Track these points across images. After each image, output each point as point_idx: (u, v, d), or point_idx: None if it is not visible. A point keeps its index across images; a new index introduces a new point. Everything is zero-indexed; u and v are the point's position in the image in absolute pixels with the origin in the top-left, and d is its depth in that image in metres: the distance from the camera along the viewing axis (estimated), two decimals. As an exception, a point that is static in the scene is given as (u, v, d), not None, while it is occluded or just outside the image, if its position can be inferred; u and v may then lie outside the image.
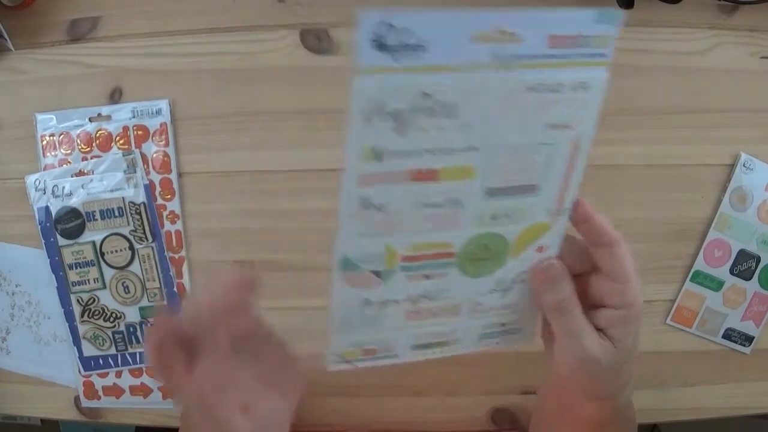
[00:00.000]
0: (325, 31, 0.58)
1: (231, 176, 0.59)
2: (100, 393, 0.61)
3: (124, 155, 0.58)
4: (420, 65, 0.27)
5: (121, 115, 0.58)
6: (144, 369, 0.60)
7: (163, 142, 0.58)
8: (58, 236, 0.58)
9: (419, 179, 0.31)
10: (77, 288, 0.59)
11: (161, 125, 0.58)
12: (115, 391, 0.61)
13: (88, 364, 0.60)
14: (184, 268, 0.59)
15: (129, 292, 0.58)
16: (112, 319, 0.59)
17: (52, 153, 0.58)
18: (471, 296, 0.37)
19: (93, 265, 0.58)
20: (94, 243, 0.58)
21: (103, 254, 0.58)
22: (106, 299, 0.59)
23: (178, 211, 0.59)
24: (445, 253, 0.35)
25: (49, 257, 0.59)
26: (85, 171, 0.58)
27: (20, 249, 0.60)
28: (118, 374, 0.60)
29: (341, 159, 0.64)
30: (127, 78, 0.58)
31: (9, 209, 0.59)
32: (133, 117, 0.58)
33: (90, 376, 0.61)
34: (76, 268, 0.58)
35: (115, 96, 0.58)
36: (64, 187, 0.57)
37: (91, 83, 0.58)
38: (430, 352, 0.40)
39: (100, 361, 0.60)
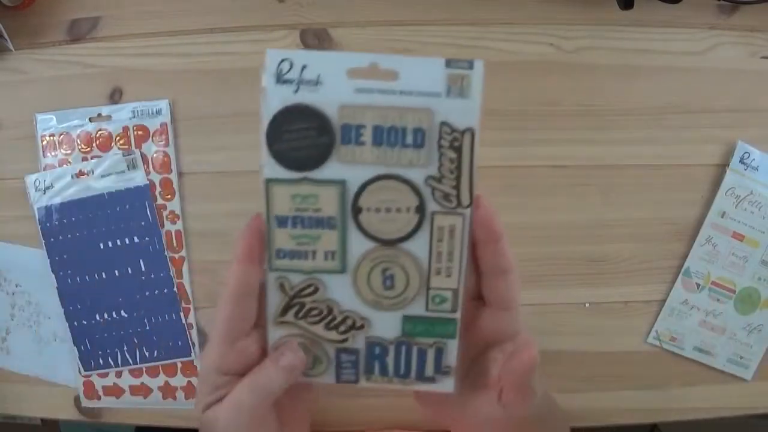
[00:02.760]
0: (325, 31, 0.58)
1: (231, 176, 0.59)
2: (100, 393, 0.61)
3: (124, 155, 0.58)
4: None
5: (121, 115, 0.58)
6: (144, 369, 0.60)
7: (163, 142, 0.58)
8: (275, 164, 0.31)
9: (735, 238, 0.57)
10: (286, 263, 0.32)
11: (161, 125, 0.58)
12: (115, 391, 0.61)
13: (88, 363, 0.60)
14: (184, 268, 0.59)
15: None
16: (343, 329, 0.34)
17: (52, 153, 0.58)
18: (735, 325, 0.59)
19: (332, 226, 0.32)
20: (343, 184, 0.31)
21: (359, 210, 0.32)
22: (339, 291, 0.33)
23: (178, 211, 0.59)
24: (730, 289, 0.58)
25: (49, 257, 0.59)
26: (85, 171, 0.58)
27: (20, 249, 0.60)
28: (118, 374, 0.60)
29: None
30: (127, 78, 0.58)
31: (9, 209, 0.59)
32: (133, 117, 0.58)
33: (90, 376, 0.60)
34: (296, 225, 0.32)
35: (115, 96, 0.58)
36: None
37: (91, 83, 0.58)
38: (703, 356, 0.59)
39: (100, 361, 0.60)
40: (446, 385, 0.34)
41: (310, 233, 0.32)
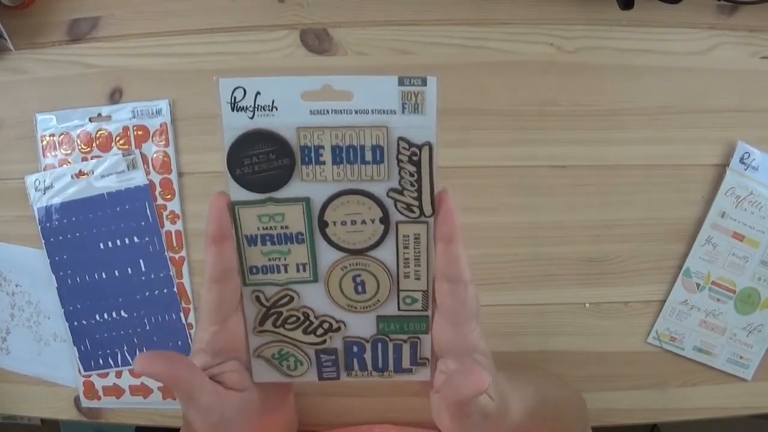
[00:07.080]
0: (325, 31, 0.58)
1: (231, 176, 0.59)
2: (100, 393, 0.61)
3: (124, 155, 0.58)
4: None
5: (121, 115, 0.58)
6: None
7: (163, 142, 0.58)
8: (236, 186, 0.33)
9: (735, 238, 0.57)
10: (260, 278, 0.34)
11: (161, 125, 0.58)
12: (115, 391, 0.61)
13: (88, 363, 0.60)
14: (184, 268, 0.59)
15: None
16: (320, 333, 0.35)
17: (52, 153, 0.58)
18: (735, 325, 0.58)
19: (301, 241, 0.32)
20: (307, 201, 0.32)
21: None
22: (314, 299, 0.34)
23: (178, 211, 0.59)
24: (730, 289, 0.58)
25: (49, 257, 0.59)
26: (85, 171, 0.58)
27: (20, 249, 0.60)
28: (118, 374, 0.60)
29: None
30: (127, 78, 0.58)
31: (9, 209, 0.59)
32: (133, 117, 0.58)
33: (90, 376, 0.61)
34: (266, 243, 0.33)
35: (115, 96, 0.58)
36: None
37: (91, 83, 0.58)
38: (703, 356, 0.59)
39: (100, 361, 0.60)
40: (423, 374, 0.36)
41: (280, 249, 0.33)
